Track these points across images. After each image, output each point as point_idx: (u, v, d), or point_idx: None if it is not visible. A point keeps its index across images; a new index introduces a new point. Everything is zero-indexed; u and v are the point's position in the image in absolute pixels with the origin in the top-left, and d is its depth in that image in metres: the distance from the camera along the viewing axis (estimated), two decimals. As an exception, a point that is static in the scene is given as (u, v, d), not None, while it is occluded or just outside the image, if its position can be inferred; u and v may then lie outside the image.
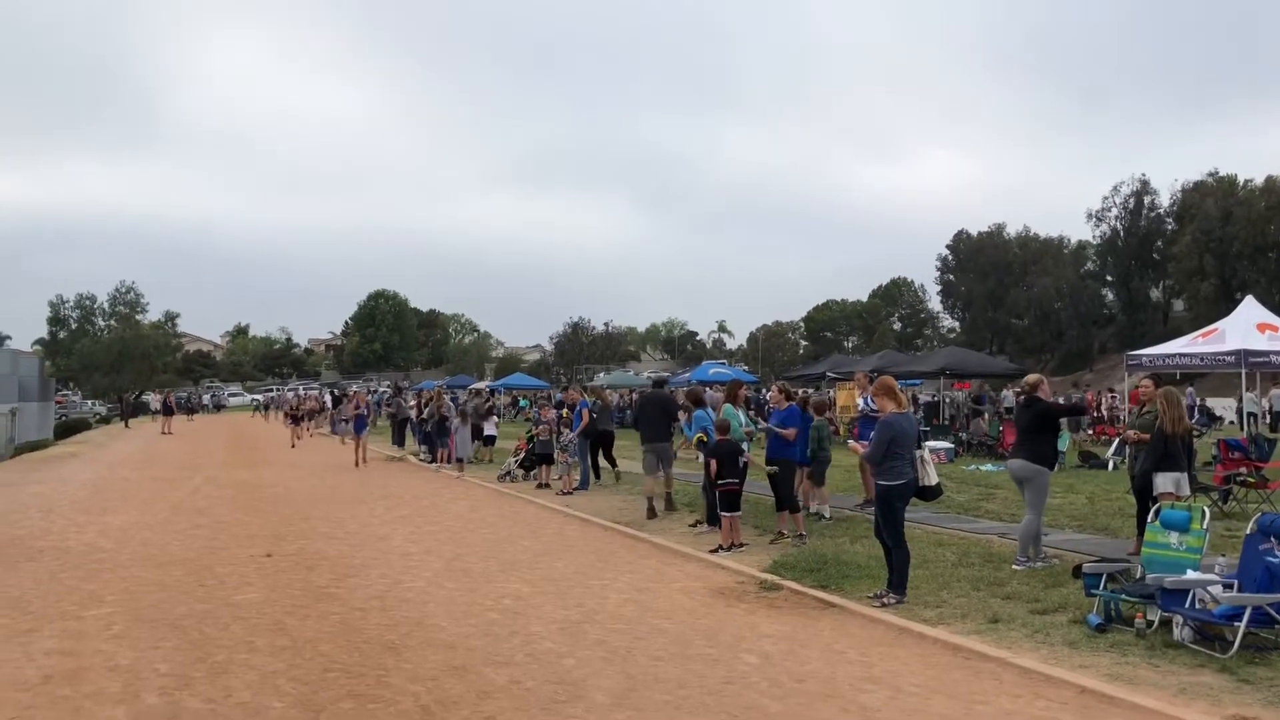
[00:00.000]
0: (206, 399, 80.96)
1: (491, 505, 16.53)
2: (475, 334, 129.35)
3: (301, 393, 52.89)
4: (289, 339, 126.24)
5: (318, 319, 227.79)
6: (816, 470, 12.80)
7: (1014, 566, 9.73)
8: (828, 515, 13.32)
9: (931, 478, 8.90)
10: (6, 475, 23.31)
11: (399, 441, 31.23)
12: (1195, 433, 17.74)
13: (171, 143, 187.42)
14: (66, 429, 44.07)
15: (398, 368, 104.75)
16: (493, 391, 56.13)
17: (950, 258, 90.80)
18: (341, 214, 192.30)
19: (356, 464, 24.68)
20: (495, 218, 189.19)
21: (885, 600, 8.52)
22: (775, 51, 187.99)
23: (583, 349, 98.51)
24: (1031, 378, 10.62)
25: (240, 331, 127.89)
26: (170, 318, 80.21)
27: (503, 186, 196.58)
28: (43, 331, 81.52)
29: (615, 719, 5.74)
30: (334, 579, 10.05)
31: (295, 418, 38.77)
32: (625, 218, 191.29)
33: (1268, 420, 32.43)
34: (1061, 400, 25.58)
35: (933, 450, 10.54)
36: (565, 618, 8.34)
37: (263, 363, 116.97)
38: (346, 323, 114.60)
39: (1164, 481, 9.64)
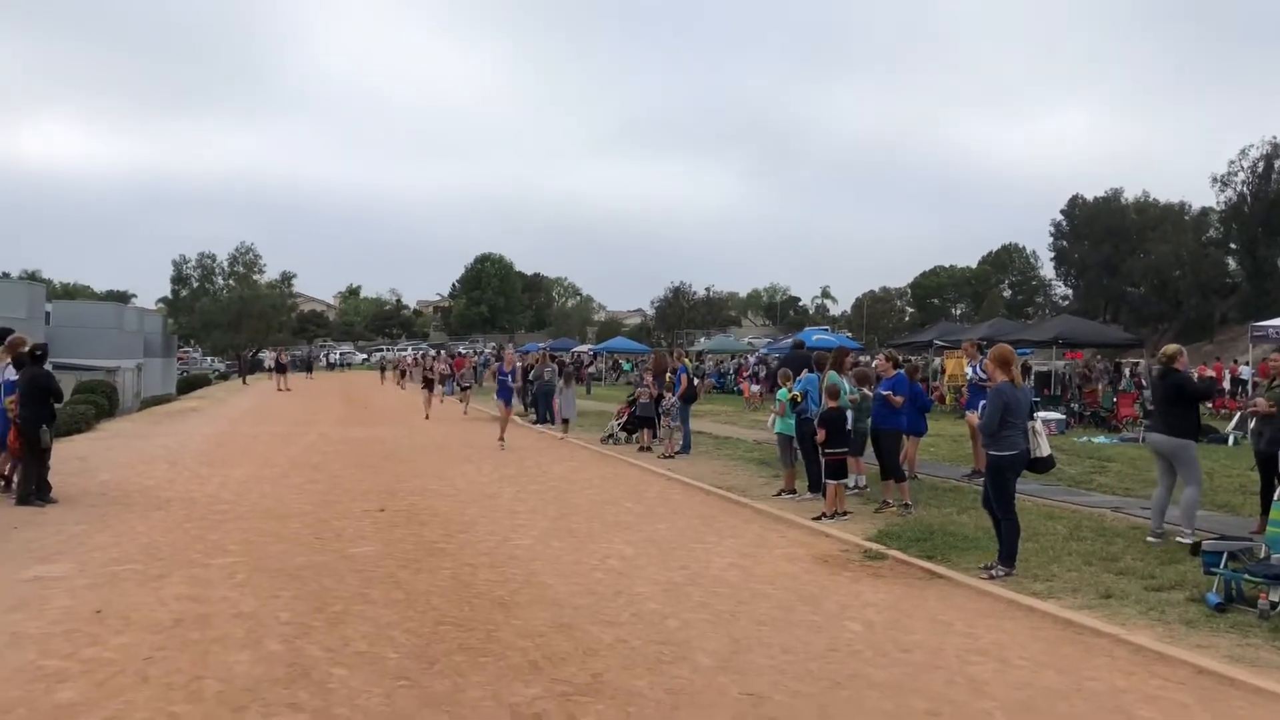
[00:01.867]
0: (334, 356, 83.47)
1: (594, 467, 16.73)
2: (578, 297, 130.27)
3: (431, 354, 53.18)
4: (399, 300, 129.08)
5: (426, 280, 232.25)
6: (857, 442, 12.42)
7: (1180, 540, 9.45)
8: (858, 485, 12.99)
9: (1044, 449, 8.70)
10: (134, 428, 24.42)
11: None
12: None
13: (289, 106, 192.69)
14: (188, 384, 45.96)
15: (502, 330, 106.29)
16: (596, 355, 56.62)
17: (1064, 223, 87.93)
18: (451, 176, 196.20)
19: (501, 439, 21.27)
20: (600, 181, 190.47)
21: (994, 572, 8.40)
22: (890, 4, 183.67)
23: (683, 314, 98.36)
24: (1170, 349, 10.20)
25: (352, 292, 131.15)
26: (286, 278, 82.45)
27: (609, 149, 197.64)
28: (166, 290, 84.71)
29: (720, 681, 5.79)
30: (444, 535, 10.32)
31: (429, 381, 32.42)
32: (731, 181, 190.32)
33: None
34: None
35: (1044, 421, 10.25)
36: (669, 579, 8.43)
37: (373, 323, 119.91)
38: (454, 285, 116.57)
39: None
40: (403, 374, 47.11)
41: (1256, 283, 71.93)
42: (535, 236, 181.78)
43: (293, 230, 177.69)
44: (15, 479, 12.08)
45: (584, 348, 66.69)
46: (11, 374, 12.02)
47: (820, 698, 5.55)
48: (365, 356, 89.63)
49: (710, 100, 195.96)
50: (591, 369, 50.81)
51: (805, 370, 13.22)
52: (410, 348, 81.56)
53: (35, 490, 11.62)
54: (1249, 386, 29.80)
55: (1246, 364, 36.10)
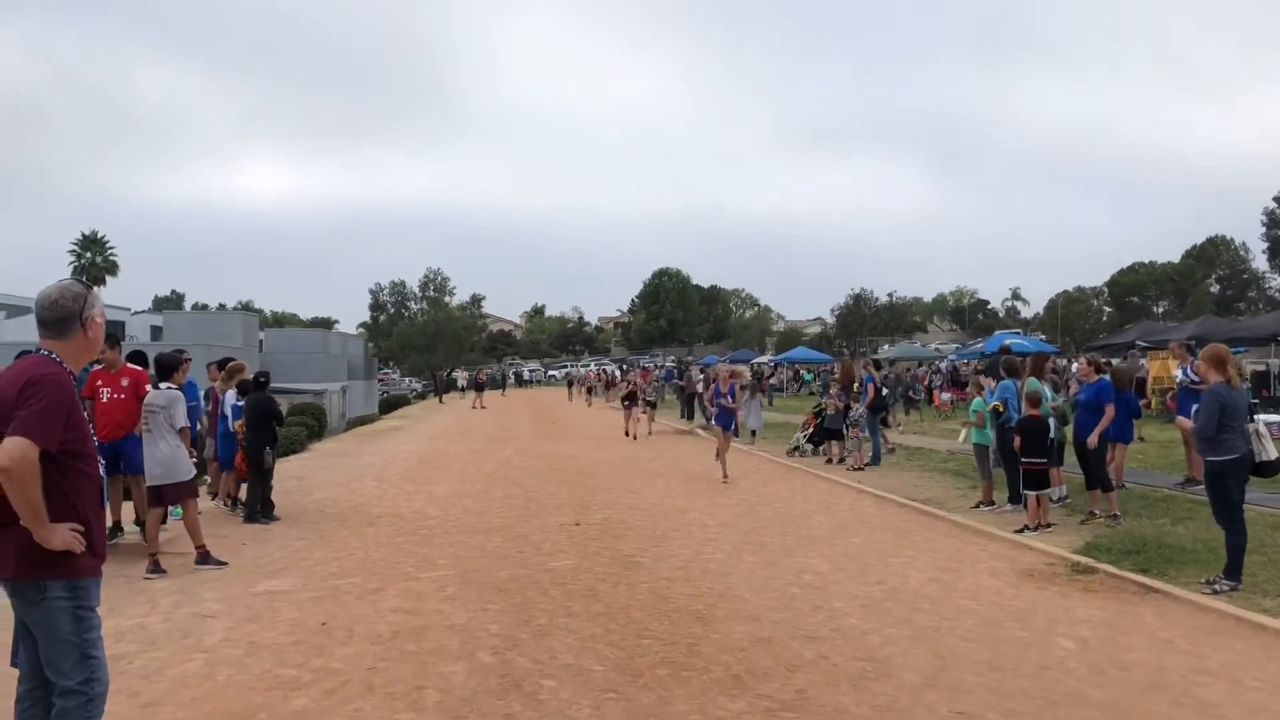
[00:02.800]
0: (526, 374, 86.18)
1: (783, 480, 16.66)
2: (755, 308, 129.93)
3: (625, 370, 53.73)
4: (581, 317, 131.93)
5: (607, 297, 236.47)
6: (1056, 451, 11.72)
7: None
8: (1061, 496, 12.31)
9: (1270, 452, 8.14)
10: (342, 447, 25.84)
11: (687, 415, 31.98)
12: None
13: (474, 130, 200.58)
14: (389, 404, 48.34)
15: (681, 343, 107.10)
16: (776, 365, 56.32)
17: (1278, 211, 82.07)
18: (630, 192, 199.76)
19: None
20: (777, 189, 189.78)
21: (1217, 587, 7.93)
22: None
23: (865, 320, 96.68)
24: None
25: (537, 311, 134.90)
26: (476, 300, 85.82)
27: (785, 156, 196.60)
28: (365, 316, 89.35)
29: (928, 699, 5.69)
30: (639, 548, 10.49)
31: (631, 397, 28.10)
32: (912, 181, 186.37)
33: None
34: None
35: (1266, 424, 9.56)
36: (867, 594, 8.32)
37: (558, 340, 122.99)
38: (633, 300, 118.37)
39: None
40: (589, 390, 48.10)
41: None
42: (712, 248, 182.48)
43: (480, 253, 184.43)
44: (242, 498, 12.98)
45: (764, 358, 66.44)
46: (235, 399, 12.93)
47: (1035, 716, 5.39)
48: (553, 373, 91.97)
49: (890, 100, 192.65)
50: (772, 380, 50.51)
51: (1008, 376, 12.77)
52: (593, 363, 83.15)
53: (260, 509, 12.45)
54: None
55: None
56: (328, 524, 12.35)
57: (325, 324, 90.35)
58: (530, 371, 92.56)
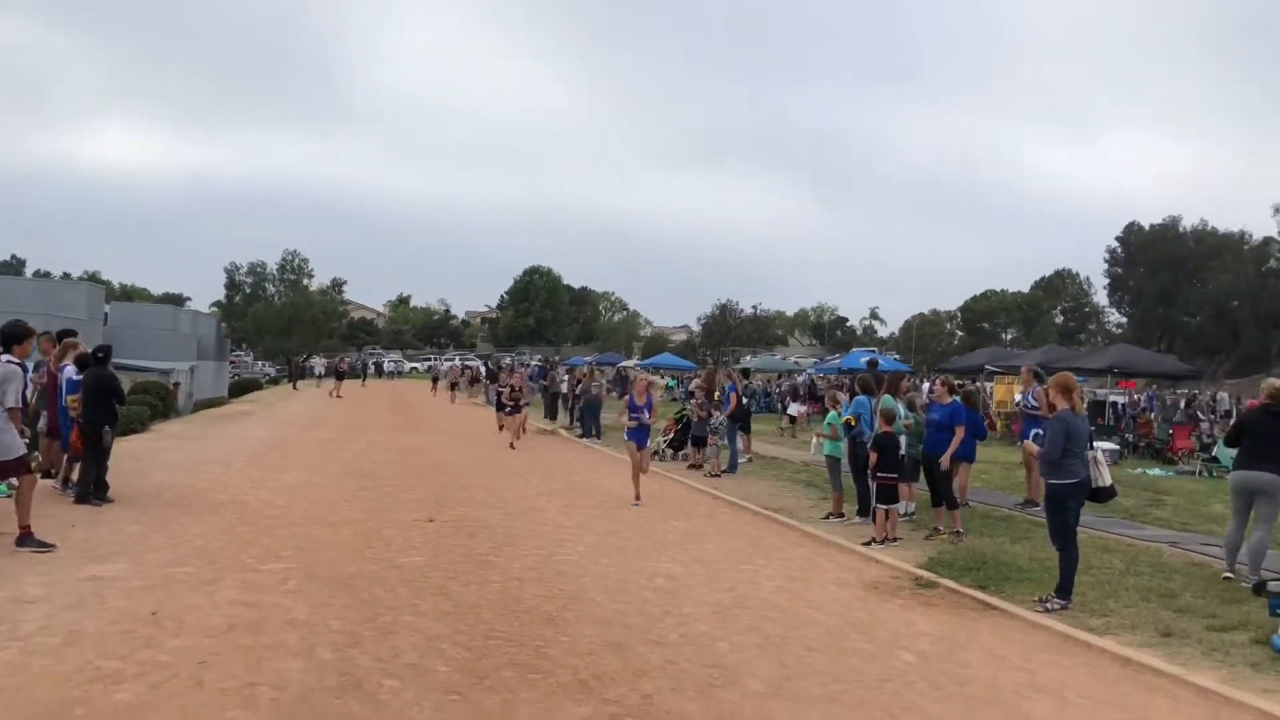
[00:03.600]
0: (389, 364, 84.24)
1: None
2: (624, 312, 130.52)
3: (497, 369, 52.14)
4: (447, 310, 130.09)
5: (475, 291, 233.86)
6: (908, 467, 12.11)
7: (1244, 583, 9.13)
8: (908, 511, 12.70)
9: (1105, 479, 8.54)
10: (188, 429, 24.79)
11: (551, 415, 31.84)
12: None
13: (346, 113, 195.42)
14: (240, 388, 46.60)
15: (549, 342, 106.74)
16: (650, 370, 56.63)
17: (1119, 250, 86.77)
18: (504, 187, 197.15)
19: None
20: (653, 195, 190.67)
21: (1049, 605, 8.25)
22: (956, 26, 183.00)
23: (730, 331, 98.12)
24: (1278, 383, 9.76)
25: (402, 301, 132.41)
26: (337, 284, 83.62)
27: (664, 163, 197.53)
28: (220, 295, 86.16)
29: (771, 708, 5.73)
30: (493, 547, 10.33)
31: (502, 402, 25.15)
32: (783, 198, 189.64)
33: None
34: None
35: (1103, 451, 10.00)
36: (718, 601, 8.37)
37: (422, 332, 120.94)
38: (502, 296, 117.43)
39: None
40: (453, 385, 47.09)
41: (1318, 316, 70.46)
42: (586, 250, 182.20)
43: (345, 237, 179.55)
44: (74, 478, 12.28)
45: (630, 363, 66.76)
46: (74, 374, 12.23)
47: (874, 729, 5.47)
48: (415, 365, 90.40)
49: (772, 117, 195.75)
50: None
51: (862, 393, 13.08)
52: (458, 358, 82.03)
53: (94, 490, 11.80)
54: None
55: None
56: (165, 509, 11.79)
57: (177, 301, 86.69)
58: (392, 362, 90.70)
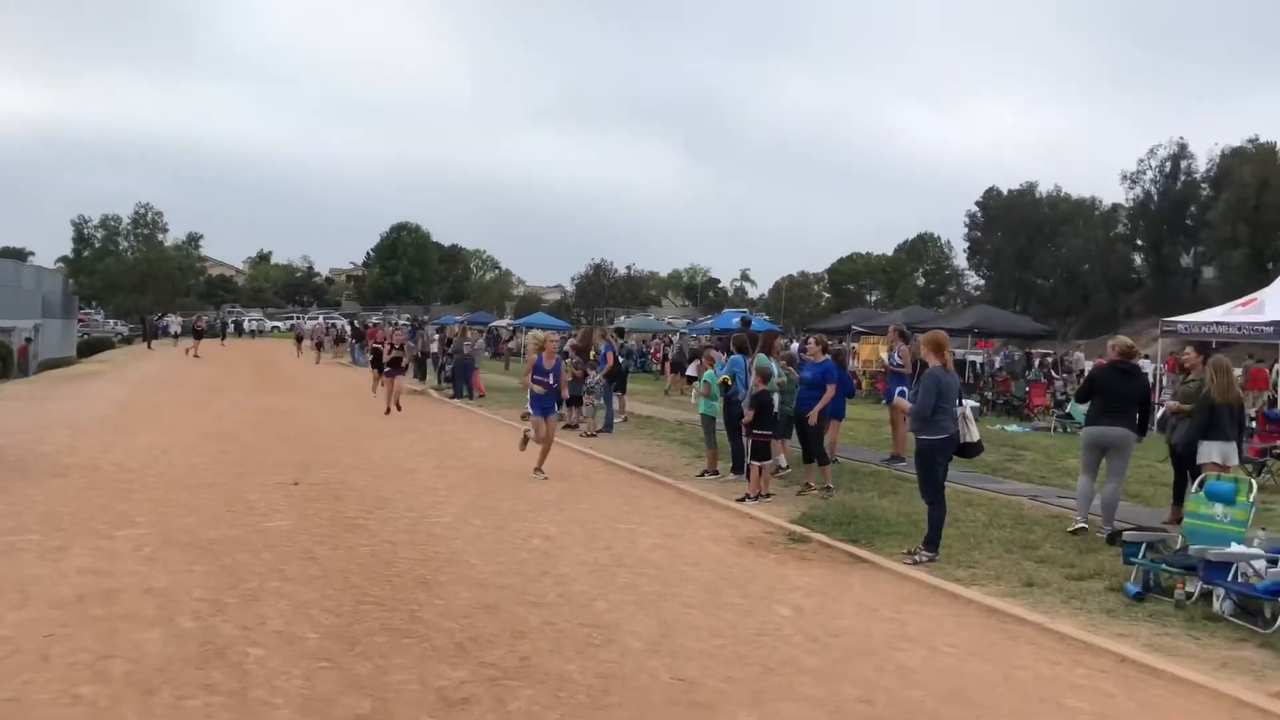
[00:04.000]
0: (251, 323, 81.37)
1: (514, 444, 16.48)
2: (496, 271, 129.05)
3: (391, 323, 49.96)
4: (310, 268, 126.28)
5: (340, 248, 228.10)
6: (781, 424, 12.38)
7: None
8: (781, 467, 13.00)
9: (973, 434, 8.77)
10: (32, 390, 23.48)
11: (420, 375, 31.27)
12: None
13: (206, 61, 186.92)
14: (89, 347, 44.44)
15: (417, 301, 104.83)
16: (515, 330, 56.20)
17: (979, 215, 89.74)
18: (373, 142, 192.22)
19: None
20: (526, 153, 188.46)
21: (918, 557, 8.45)
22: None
23: (604, 291, 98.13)
24: (1127, 341, 10.17)
25: (263, 258, 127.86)
26: (193, 240, 79.95)
27: (537, 122, 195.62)
28: (67, 250, 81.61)
29: (650, 665, 5.69)
30: (362, 510, 10.04)
31: (395, 363, 21.54)
32: (657, 159, 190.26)
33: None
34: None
35: (971, 408, 10.28)
36: (595, 560, 8.31)
37: (284, 290, 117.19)
38: (368, 254, 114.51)
39: (1208, 450, 9.50)
40: (319, 345, 45.49)
41: (1160, 279, 74.37)
42: (455, 207, 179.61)
43: (203, 192, 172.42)
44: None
45: (502, 322, 66.12)
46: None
47: (752, 683, 5.49)
48: (277, 324, 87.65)
49: (642, 77, 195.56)
50: (511, 344, 50.34)
51: (736, 352, 13.15)
52: (322, 316, 79.80)
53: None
54: (1149, 379, 30.87)
55: (1147, 357, 37.28)
56: (5, 473, 11.11)
57: (19, 256, 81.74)
58: (253, 321, 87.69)
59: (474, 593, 7.11)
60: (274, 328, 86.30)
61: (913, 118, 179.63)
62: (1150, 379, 24.80)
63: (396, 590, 7.09)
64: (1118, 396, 9.70)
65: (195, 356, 41.63)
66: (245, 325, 79.65)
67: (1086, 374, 14.26)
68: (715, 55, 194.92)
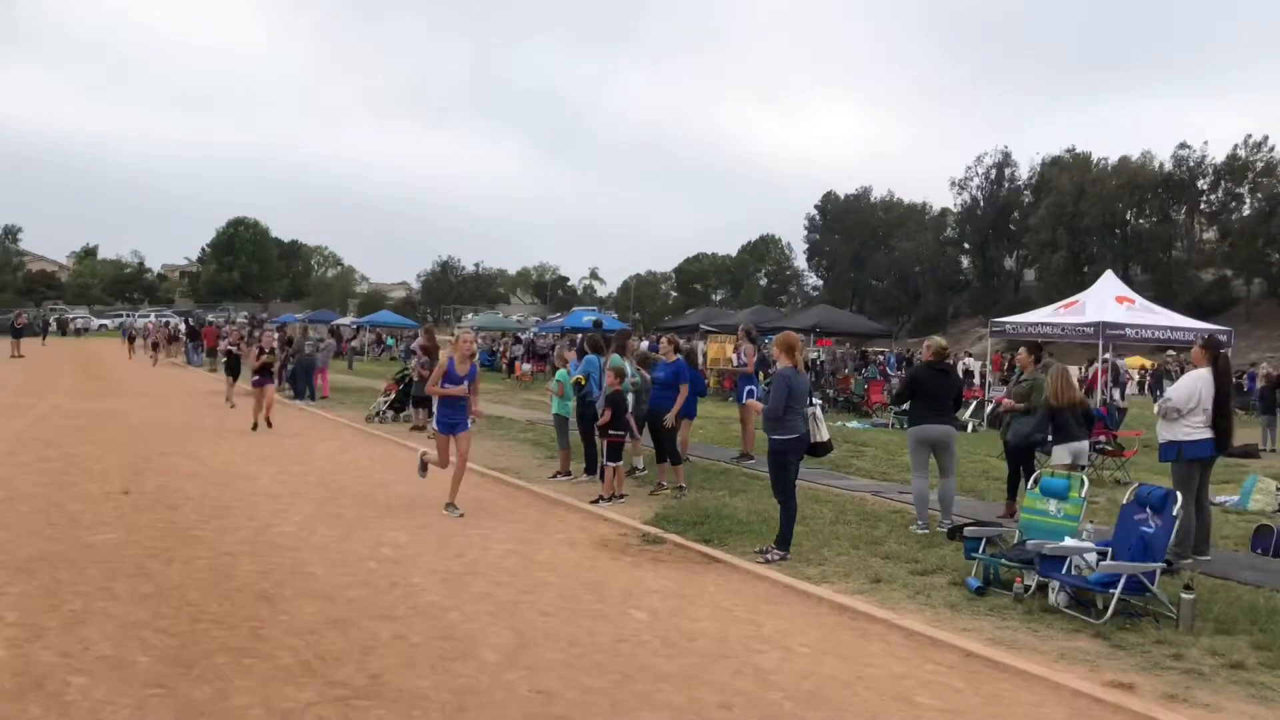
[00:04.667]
0: (80, 322, 76.86)
1: (361, 447, 16.05)
2: (339, 267, 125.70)
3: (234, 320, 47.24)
4: (141, 263, 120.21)
5: (174, 244, 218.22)
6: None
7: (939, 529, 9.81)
8: (636, 468, 13.23)
9: (823, 434, 8.93)
10: None
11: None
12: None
13: (28, 45, 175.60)
14: (-111, 348, 41.03)
15: (256, 299, 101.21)
16: (359, 328, 54.83)
17: (818, 217, 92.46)
18: (202, 134, 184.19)
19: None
20: (369, 147, 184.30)
21: (770, 556, 8.54)
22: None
23: (451, 289, 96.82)
24: (940, 342, 10.56)
25: (88, 253, 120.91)
26: (10, 232, 75.24)
27: (382, 115, 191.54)
28: None
29: (507, 679, 5.55)
30: (199, 520, 9.54)
31: (265, 370, 18.15)
32: (509, 157, 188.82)
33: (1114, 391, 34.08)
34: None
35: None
36: (447, 569, 8.10)
37: (112, 287, 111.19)
38: (203, 249, 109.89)
39: (1061, 454, 10.00)
40: (155, 345, 42.68)
41: (986, 280, 78.24)
42: (295, 202, 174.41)
43: (22, 182, 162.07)
44: None
45: (345, 320, 64.39)
46: None
47: (612, 693, 5.42)
48: (104, 322, 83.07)
49: (490, 72, 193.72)
50: (354, 343, 49.06)
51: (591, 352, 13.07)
52: (154, 314, 76.05)
53: None
54: (975, 377, 32.52)
55: (969, 355, 39.24)
56: None
57: None
58: (79, 319, 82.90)
59: (320, 606, 6.82)
60: (101, 326, 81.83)
61: (759, 121, 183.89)
62: (977, 377, 25.94)
63: (237, 606, 6.74)
64: (937, 395, 10.11)
65: (17, 356, 39.02)
66: (69, 324, 75.17)
67: (904, 375, 14.76)
68: (565, 52, 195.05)
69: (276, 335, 18.95)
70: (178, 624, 6.28)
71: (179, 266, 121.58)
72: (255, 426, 17.26)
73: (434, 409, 10.87)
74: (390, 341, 53.47)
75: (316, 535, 9.15)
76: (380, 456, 14.88)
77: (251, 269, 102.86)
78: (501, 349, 42.36)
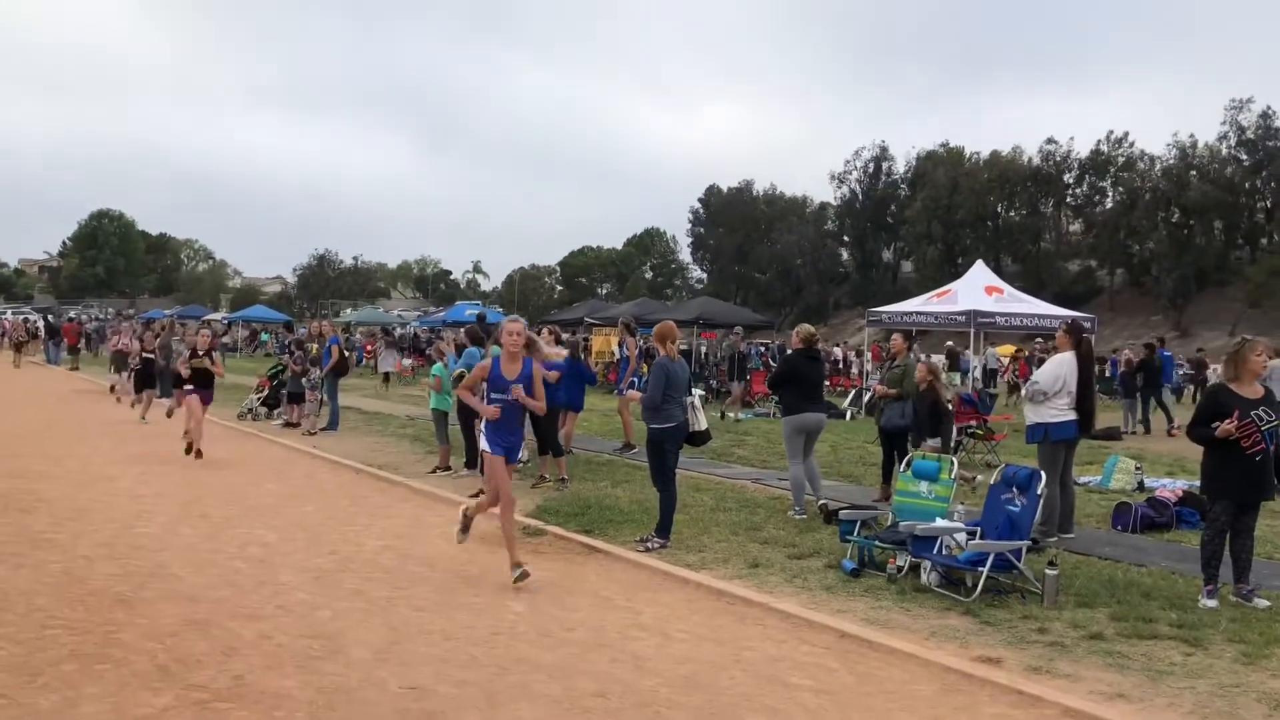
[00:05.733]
0: None
1: (231, 444, 15.51)
2: (210, 261, 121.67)
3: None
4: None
5: (31, 238, 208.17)
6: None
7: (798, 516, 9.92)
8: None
9: (701, 423, 8.97)
10: None
11: (119, 371, 28.89)
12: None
13: None
14: None
15: (122, 294, 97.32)
16: (230, 324, 53.17)
17: (701, 211, 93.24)
18: (60, 122, 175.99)
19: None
20: (240, 139, 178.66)
21: (650, 544, 8.53)
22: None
23: (329, 282, 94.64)
24: (809, 329, 10.71)
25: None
26: None
27: (253, 105, 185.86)
28: None
29: (378, 676, 5.39)
30: (53, 524, 9.06)
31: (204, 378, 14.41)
32: (387, 148, 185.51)
33: (978, 377, 35.26)
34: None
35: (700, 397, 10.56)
36: (319, 566, 7.86)
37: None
38: (64, 243, 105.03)
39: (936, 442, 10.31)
40: (19, 346, 39.11)
41: (865, 272, 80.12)
42: (162, 195, 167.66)
43: None
44: None
45: (217, 316, 62.37)
46: None
47: (487, 685, 5.32)
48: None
49: (370, 61, 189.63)
50: (226, 339, 47.51)
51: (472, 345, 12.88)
52: (10, 311, 72.32)
53: None
54: (851, 366, 33.39)
55: (838, 345, 40.17)
56: None
57: None
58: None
59: (181, 608, 6.53)
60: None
61: (643, 113, 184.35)
62: (854, 367, 26.54)
63: (91, 611, 6.40)
64: (809, 382, 10.29)
65: None
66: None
67: (780, 362, 14.94)
68: (449, 43, 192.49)
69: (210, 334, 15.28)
70: (24, 631, 5.92)
71: (38, 261, 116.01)
72: (195, 452, 13.39)
73: (484, 428, 7.95)
74: (266, 337, 51.96)
75: (180, 536, 8.79)
76: (251, 454, 14.43)
77: (117, 263, 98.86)
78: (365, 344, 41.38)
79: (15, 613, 6.30)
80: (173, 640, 5.86)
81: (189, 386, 13.87)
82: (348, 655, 5.72)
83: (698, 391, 10.29)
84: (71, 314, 56.76)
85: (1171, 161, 61.31)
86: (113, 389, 21.71)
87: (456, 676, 5.43)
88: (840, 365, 34.55)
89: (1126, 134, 66.53)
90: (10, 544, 8.19)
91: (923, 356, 15.03)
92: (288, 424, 17.69)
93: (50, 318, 51.90)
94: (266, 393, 19.54)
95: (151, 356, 15.07)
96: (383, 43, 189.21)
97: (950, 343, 32.96)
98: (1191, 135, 60.99)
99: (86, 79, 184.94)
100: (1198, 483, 11.71)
